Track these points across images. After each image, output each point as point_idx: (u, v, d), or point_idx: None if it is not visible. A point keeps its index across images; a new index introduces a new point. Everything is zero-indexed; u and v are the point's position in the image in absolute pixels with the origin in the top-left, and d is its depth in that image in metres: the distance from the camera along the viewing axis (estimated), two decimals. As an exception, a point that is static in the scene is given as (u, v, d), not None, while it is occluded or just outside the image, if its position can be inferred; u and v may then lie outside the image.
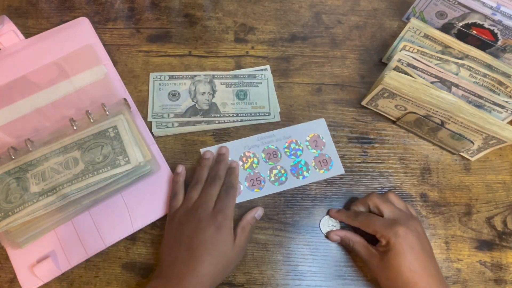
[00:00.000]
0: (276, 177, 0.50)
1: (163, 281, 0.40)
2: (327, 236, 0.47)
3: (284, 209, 0.49)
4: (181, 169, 0.48)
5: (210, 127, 0.52)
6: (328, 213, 0.48)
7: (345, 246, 0.46)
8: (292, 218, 0.49)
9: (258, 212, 0.47)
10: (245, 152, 0.51)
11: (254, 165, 0.50)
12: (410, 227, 0.41)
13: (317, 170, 0.50)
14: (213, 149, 0.51)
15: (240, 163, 0.50)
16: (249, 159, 0.51)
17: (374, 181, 0.51)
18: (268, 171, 0.50)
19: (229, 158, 0.50)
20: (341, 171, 0.51)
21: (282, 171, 0.50)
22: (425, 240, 0.42)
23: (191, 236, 0.41)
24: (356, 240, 0.44)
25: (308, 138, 0.52)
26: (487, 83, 0.49)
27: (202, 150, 0.51)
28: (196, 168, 0.48)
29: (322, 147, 0.51)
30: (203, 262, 0.39)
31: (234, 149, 0.51)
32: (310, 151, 0.51)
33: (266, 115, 0.53)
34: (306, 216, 0.49)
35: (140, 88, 0.54)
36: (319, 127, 0.53)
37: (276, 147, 0.51)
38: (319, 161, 0.51)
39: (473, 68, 0.48)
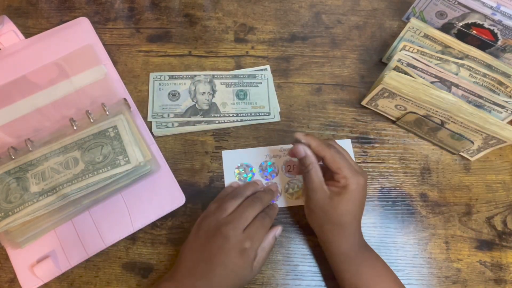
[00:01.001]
0: (293, 191, 0.49)
1: (178, 285, 0.40)
2: (293, 147, 0.43)
3: (284, 209, 0.49)
4: (236, 184, 0.48)
5: (210, 127, 0.52)
6: (296, 137, 0.43)
7: (302, 165, 0.43)
8: (292, 218, 0.49)
9: (278, 231, 0.45)
10: (266, 160, 0.51)
11: (273, 175, 0.50)
12: (365, 179, 0.43)
13: None
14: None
15: (260, 171, 0.50)
16: (268, 168, 0.50)
17: (374, 181, 0.51)
18: (286, 184, 0.50)
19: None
20: None
21: (301, 186, 0.49)
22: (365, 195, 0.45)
23: (214, 253, 0.40)
24: (317, 168, 0.42)
25: None
26: (487, 83, 0.49)
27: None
28: (242, 185, 0.48)
29: None
30: (219, 280, 0.39)
31: (255, 155, 0.51)
32: None
33: (266, 115, 0.53)
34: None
35: (140, 88, 0.54)
36: (344, 147, 0.51)
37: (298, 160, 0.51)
38: None
39: (473, 68, 0.49)
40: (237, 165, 0.50)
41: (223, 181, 0.50)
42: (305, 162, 0.43)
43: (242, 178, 0.50)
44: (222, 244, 0.40)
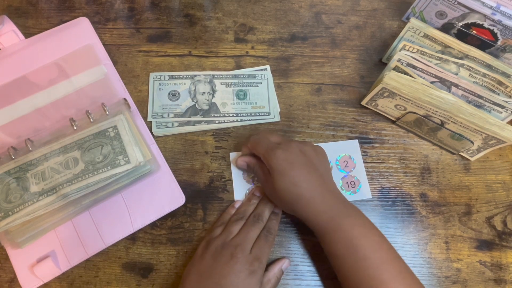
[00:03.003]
0: None
1: None
2: (236, 165, 0.49)
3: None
4: (237, 205, 0.48)
5: (210, 127, 0.52)
6: (237, 164, 0.49)
7: (251, 171, 0.48)
8: (292, 218, 0.49)
9: (285, 264, 0.46)
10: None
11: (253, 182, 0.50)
12: (290, 148, 0.43)
13: (344, 191, 0.49)
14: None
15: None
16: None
17: (374, 181, 0.51)
18: None
19: None
20: (369, 195, 0.49)
21: None
22: (312, 157, 0.44)
23: (223, 274, 0.40)
24: (257, 163, 0.46)
25: (339, 158, 0.51)
26: (486, 83, 0.49)
27: (253, 184, 0.49)
28: (243, 202, 0.48)
29: (352, 169, 0.51)
30: None
31: None
32: (339, 171, 0.50)
33: (266, 115, 0.53)
34: (306, 216, 0.49)
35: (140, 88, 0.54)
36: (351, 148, 0.52)
37: None
38: (347, 182, 0.50)
39: (473, 68, 0.49)
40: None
41: (223, 181, 0.50)
42: (250, 168, 0.48)
43: (253, 179, 0.50)
44: (232, 265, 0.40)
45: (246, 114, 0.53)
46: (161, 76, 0.54)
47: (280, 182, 0.42)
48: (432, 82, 0.48)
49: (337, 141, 0.52)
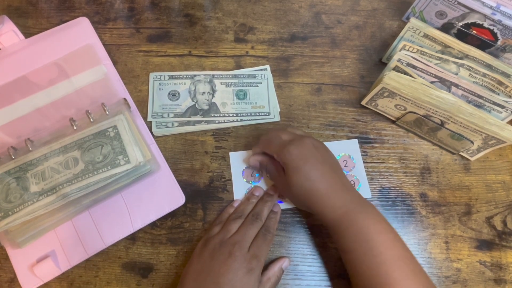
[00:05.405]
0: None
1: None
2: (249, 164, 0.49)
3: (284, 209, 0.49)
4: (236, 204, 0.48)
5: (210, 127, 0.52)
6: (250, 163, 0.49)
7: (264, 169, 0.49)
8: (292, 218, 0.49)
9: (285, 263, 0.45)
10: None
11: (257, 179, 0.50)
12: (303, 143, 0.43)
13: None
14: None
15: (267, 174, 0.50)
16: (256, 173, 0.50)
17: (374, 181, 0.51)
18: None
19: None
20: (368, 195, 0.49)
21: None
22: (324, 152, 0.44)
23: (221, 272, 0.40)
24: (270, 161, 0.47)
25: (338, 157, 0.51)
26: (486, 83, 0.49)
27: (253, 184, 0.49)
28: (242, 201, 0.48)
29: (352, 168, 0.51)
30: None
31: None
32: None
33: (266, 115, 0.53)
34: (307, 216, 0.49)
35: (140, 88, 0.54)
36: (351, 147, 0.52)
37: None
38: None
39: (472, 68, 0.49)
40: (245, 166, 0.50)
41: (223, 181, 0.50)
42: (263, 166, 0.48)
43: (253, 179, 0.50)
44: (230, 263, 0.40)
45: (246, 114, 0.53)
46: (161, 76, 0.54)
47: (295, 177, 0.42)
48: (432, 82, 0.48)
49: (337, 140, 0.52)
